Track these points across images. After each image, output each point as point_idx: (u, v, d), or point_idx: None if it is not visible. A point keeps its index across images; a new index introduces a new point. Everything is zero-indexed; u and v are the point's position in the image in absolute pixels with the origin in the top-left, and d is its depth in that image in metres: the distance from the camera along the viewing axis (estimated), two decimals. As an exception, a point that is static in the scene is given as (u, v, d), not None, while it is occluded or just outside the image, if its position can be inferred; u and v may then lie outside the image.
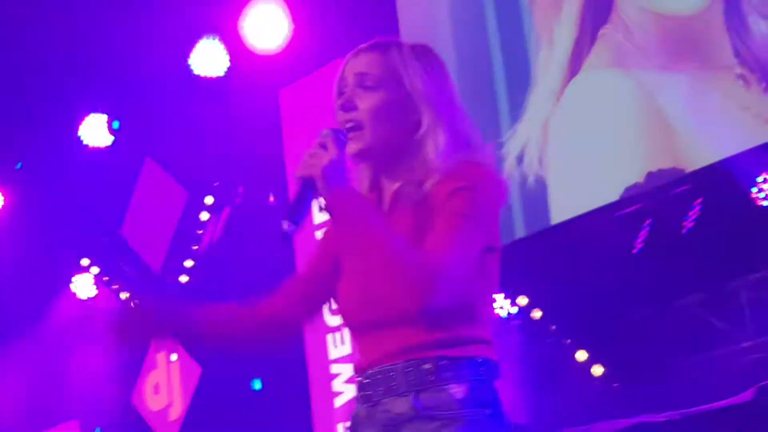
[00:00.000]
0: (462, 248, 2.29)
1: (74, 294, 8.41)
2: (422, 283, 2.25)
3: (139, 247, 8.08)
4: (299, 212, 2.32)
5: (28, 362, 8.27)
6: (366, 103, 2.43)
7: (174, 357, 7.86)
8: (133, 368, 8.09)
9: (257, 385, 7.43)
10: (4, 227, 8.07)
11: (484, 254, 2.37)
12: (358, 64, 2.47)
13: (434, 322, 2.33)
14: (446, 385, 2.33)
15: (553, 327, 6.32)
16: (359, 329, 2.48)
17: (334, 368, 6.71)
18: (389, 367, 2.37)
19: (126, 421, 8.13)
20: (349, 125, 2.44)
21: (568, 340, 6.26)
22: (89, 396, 8.33)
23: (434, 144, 2.40)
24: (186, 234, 7.87)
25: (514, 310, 6.33)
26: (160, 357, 7.97)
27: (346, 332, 6.66)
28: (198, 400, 7.65)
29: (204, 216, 7.77)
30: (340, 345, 6.69)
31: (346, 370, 6.63)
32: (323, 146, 2.34)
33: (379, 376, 2.38)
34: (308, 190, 2.33)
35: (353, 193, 2.35)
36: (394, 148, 2.45)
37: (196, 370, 7.69)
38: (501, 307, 6.33)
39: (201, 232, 7.88)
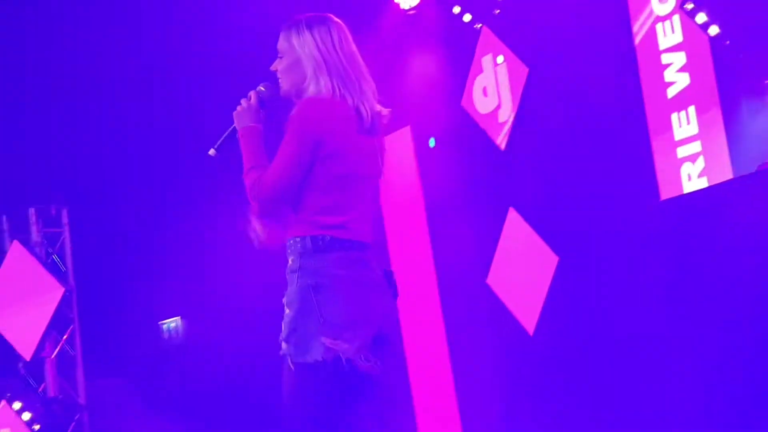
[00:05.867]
0: (271, 179, 3.57)
1: (397, 4, 8.47)
2: (251, 198, 3.61)
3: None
4: (223, 144, 3.81)
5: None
6: (280, 66, 3.75)
7: (500, 59, 7.83)
8: (460, 73, 8.14)
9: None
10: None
11: (312, 164, 3.58)
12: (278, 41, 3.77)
13: (292, 211, 3.63)
14: (289, 258, 3.63)
15: None
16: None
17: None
18: None
19: (457, 124, 8.25)
20: (279, 79, 3.77)
21: None
22: (420, 102, 8.49)
23: (314, 89, 3.65)
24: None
25: None
26: (486, 60, 7.96)
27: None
28: (527, 100, 7.64)
29: None
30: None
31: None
32: (248, 98, 3.75)
33: None
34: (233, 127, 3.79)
35: (247, 131, 3.70)
36: (295, 92, 3.71)
37: (523, 71, 7.64)
38: None
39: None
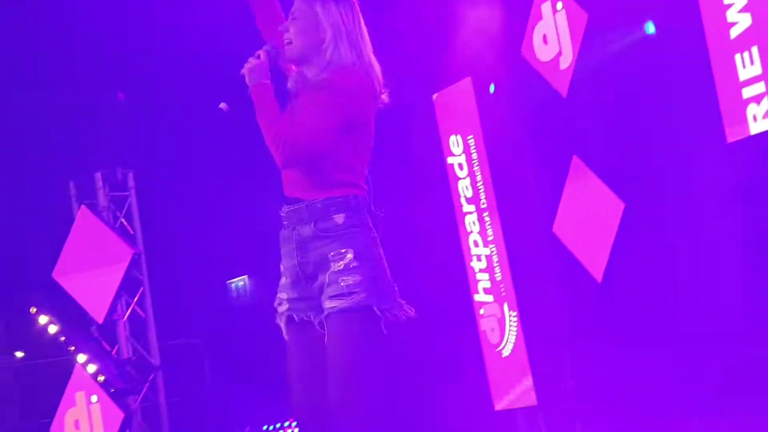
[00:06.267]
0: (310, 128, 3.66)
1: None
2: (275, 145, 3.70)
3: None
4: (233, 98, 3.85)
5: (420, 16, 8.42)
6: (293, 27, 3.84)
7: (559, 5, 7.74)
8: (520, 20, 8.07)
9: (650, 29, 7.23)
10: None
11: (347, 129, 3.70)
12: (294, 3, 3.86)
13: (315, 170, 3.75)
14: (332, 216, 3.75)
15: None
16: (281, 167, 3.86)
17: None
18: (297, 206, 3.82)
19: (518, 73, 8.20)
20: (287, 40, 3.86)
21: None
22: (480, 52, 8.44)
23: (333, 53, 3.76)
24: None
25: None
26: (546, 7, 7.88)
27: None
28: (587, 46, 7.56)
29: None
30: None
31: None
32: (257, 56, 3.81)
33: (292, 211, 3.85)
34: (243, 83, 3.83)
35: (262, 86, 3.78)
36: (309, 54, 3.83)
37: (583, 17, 7.56)
38: None
39: None
